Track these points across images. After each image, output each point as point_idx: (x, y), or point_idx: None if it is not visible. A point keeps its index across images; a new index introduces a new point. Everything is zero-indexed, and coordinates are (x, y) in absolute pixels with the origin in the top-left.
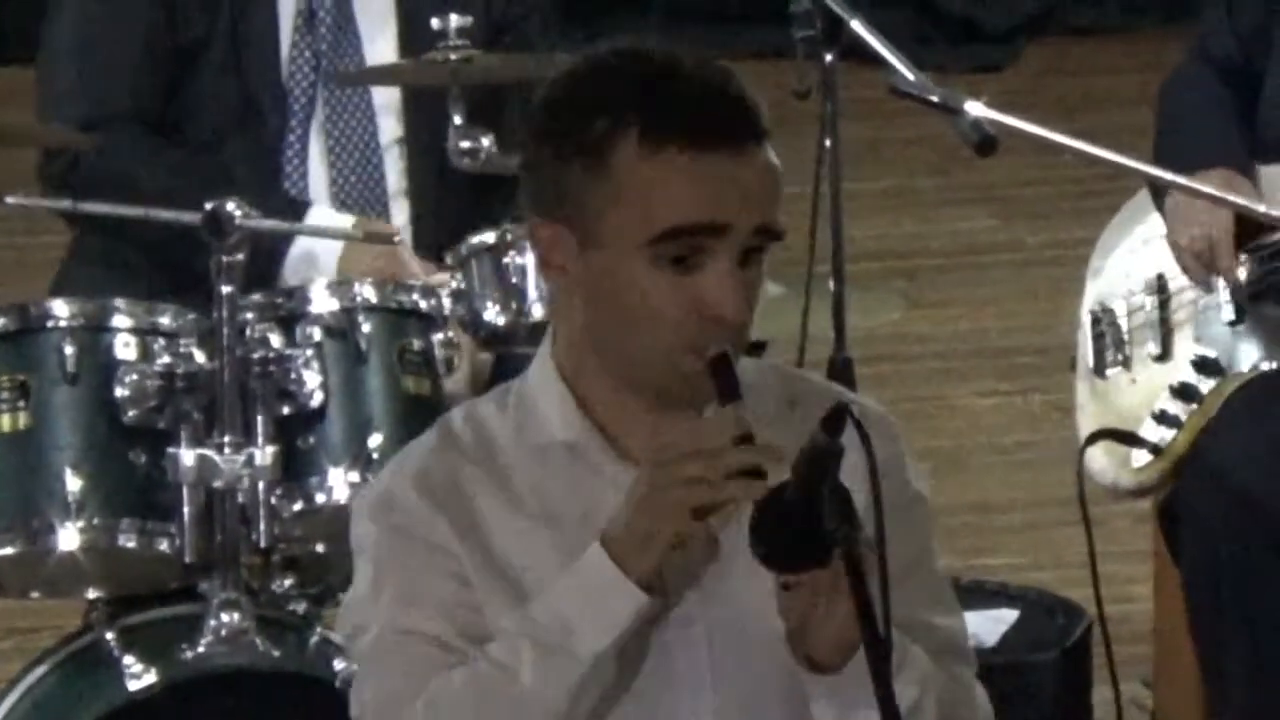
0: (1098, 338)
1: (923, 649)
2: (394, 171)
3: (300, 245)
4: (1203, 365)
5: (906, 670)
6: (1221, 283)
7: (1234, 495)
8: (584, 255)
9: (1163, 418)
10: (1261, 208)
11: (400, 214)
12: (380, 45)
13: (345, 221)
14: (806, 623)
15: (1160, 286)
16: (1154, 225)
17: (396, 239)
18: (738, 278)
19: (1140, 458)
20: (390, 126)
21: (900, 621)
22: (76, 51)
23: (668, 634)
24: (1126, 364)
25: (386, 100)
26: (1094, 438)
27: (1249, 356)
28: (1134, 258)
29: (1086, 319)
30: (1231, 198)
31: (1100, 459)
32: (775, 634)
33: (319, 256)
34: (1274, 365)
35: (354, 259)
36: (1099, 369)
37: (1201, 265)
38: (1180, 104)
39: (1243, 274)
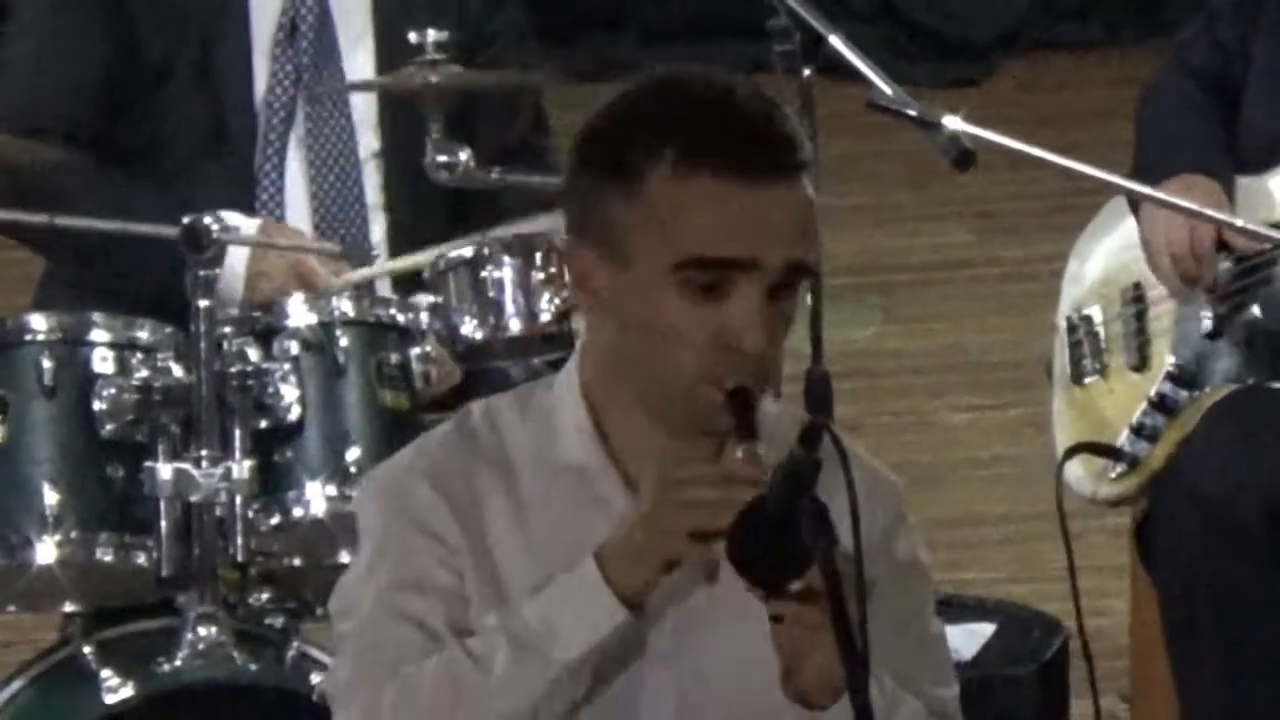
0: (1074, 345)
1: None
2: (371, 185)
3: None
4: (1180, 378)
5: (899, 713)
6: (1202, 294)
7: (1210, 510)
8: (615, 278)
9: (1140, 430)
10: (1239, 222)
11: (378, 228)
12: (358, 59)
13: (251, 225)
14: (798, 659)
15: (1138, 295)
16: (1131, 231)
17: (374, 254)
18: (763, 312)
19: (1118, 469)
20: (367, 140)
21: (892, 675)
22: (23, 65)
23: (641, 665)
24: (1104, 373)
25: (364, 114)
26: (1072, 451)
27: (1226, 370)
28: (1111, 264)
29: (1062, 325)
30: (1210, 212)
31: (1078, 470)
32: (747, 683)
33: (230, 260)
34: (1251, 380)
35: (262, 269)
36: (1076, 377)
37: (1178, 270)
38: (1158, 111)
39: (1223, 274)
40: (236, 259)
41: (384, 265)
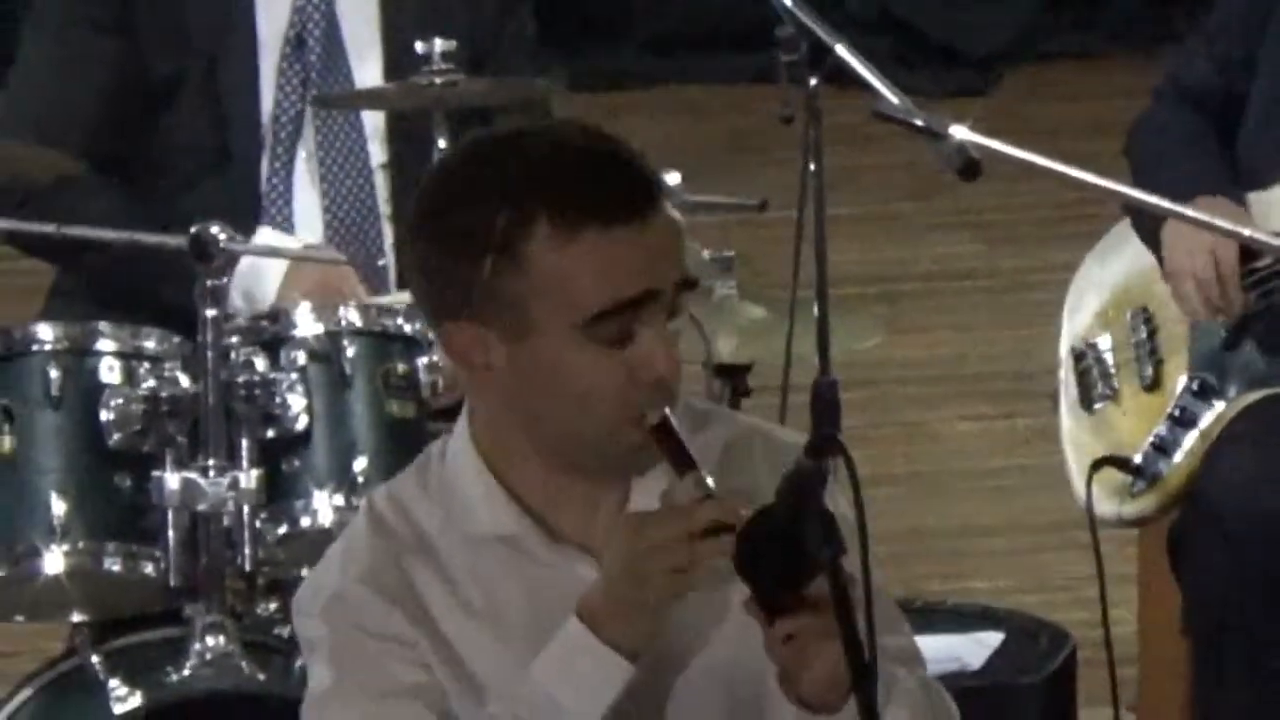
0: (1083, 373)
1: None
2: (379, 196)
3: (246, 259)
4: (1201, 391)
5: (897, 697)
6: (1233, 305)
7: (1234, 523)
8: (512, 348)
9: (1160, 446)
10: (1248, 232)
11: (387, 238)
12: (367, 70)
13: (292, 243)
14: (799, 665)
15: (1147, 318)
16: (1134, 257)
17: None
18: (669, 338)
19: (1138, 486)
20: (376, 151)
21: None
22: (36, 80)
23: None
24: (1115, 397)
25: (373, 125)
26: (1098, 465)
27: (1247, 381)
28: (1116, 291)
29: (1068, 357)
30: (1221, 222)
31: (1097, 490)
32: (741, 690)
33: (263, 269)
34: (1273, 390)
35: (301, 274)
36: (1086, 404)
37: (1203, 294)
38: (1161, 141)
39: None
40: (270, 276)
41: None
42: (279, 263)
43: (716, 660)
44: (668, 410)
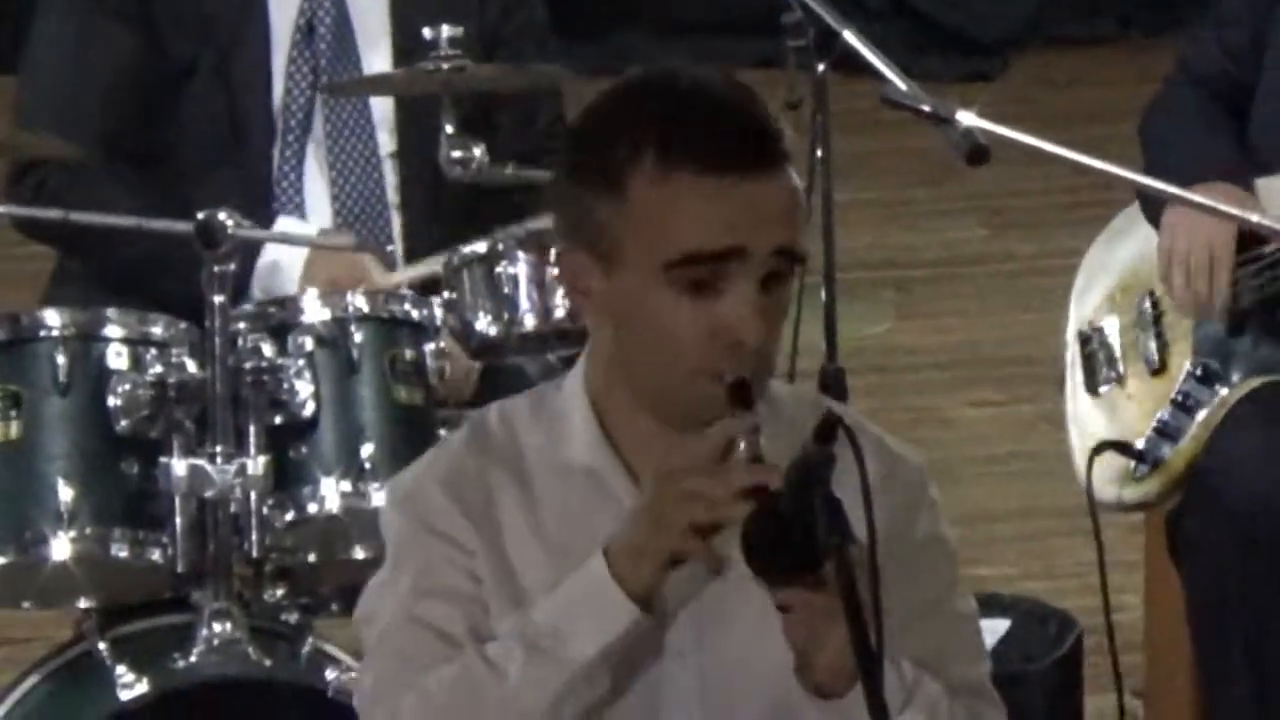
0: (1088, 356)
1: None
2: (388, 184)
3: (266, 256)
4: (1205, 376)
5: (917, 700)
6: (1216, 297)
7: (1236, 508)
8: (606, 281)
9: (1163, 430)
10: (1255, 217)
11: (395, 226)
12: (376, 57)
13: (310, 230)
14: (810, 649)
15: (1154, 302)
16: (1143, 241)
17: (389, 248)
18: (757, 302)
19: (1140, 471)
20: (384, 139)
21: (917, 661)
22: (54, 68)
23: (661, 663)
24: (1121, 381)
25: (382, 113)
26: (1099, 449)
27: (1250, 366)
28: (1124, 275)
29: (1074, 339)
30: (1227, 208)
31: (1100, 474)
32: (770, 675)
33: (283, 267)
34: (1276, 376)
35: (317, 268)
36: (1091, 387)
37: (1193, 277)
38: (1169, 124)
39: (1244, 275)
40: (291, 269)
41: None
42: (298, 258)
43: (769, 663)
44: (749, 374)
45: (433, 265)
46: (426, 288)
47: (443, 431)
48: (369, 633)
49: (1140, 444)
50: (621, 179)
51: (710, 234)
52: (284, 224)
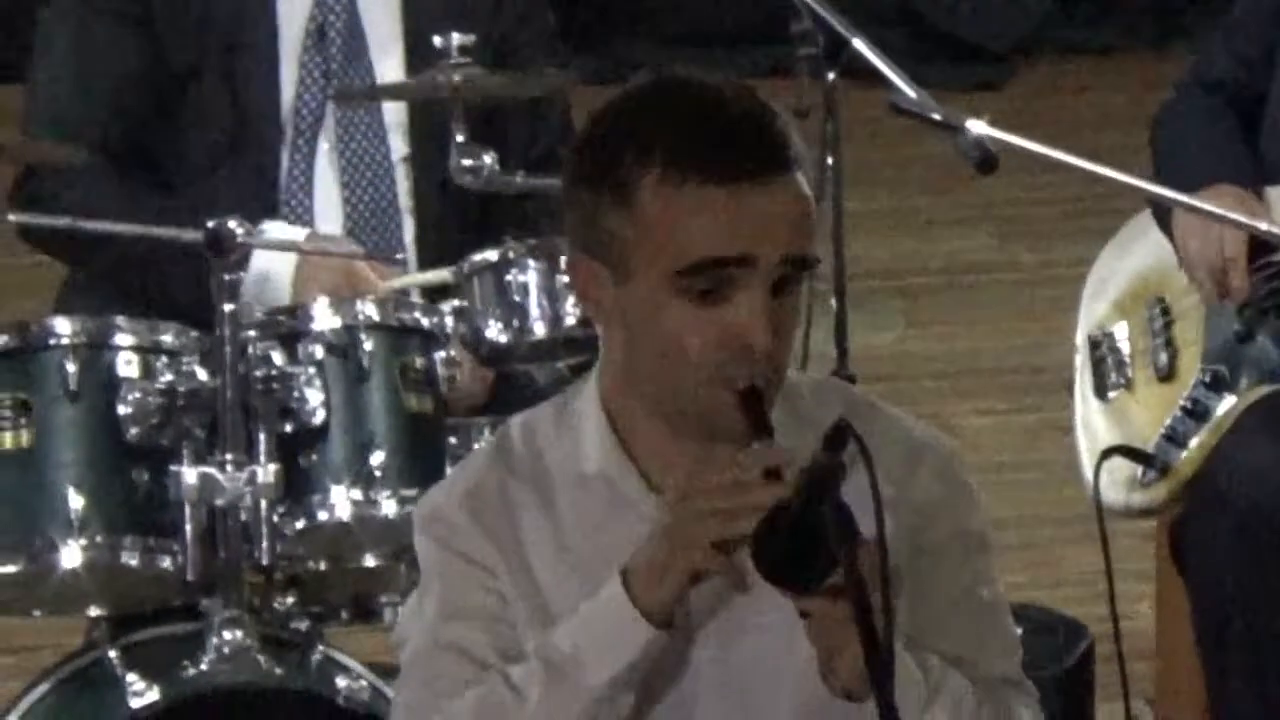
0: (1098, 361)
1: (970, 681)
2: (400, 190)
3: (256, 266)
4: (1214, 383)
5: (942, 697)
6: (1229, 301)
7: (1243, 515)
8: (617, 289)
9: (1172, 436)
10: (1264, 225)
11: (407, 232)
12: (388, 63)
13: (298, 235)
14: (834, 653)
15: (1164, 309)
16: (1153, 247)
17: (400, 256)
18: (768, 309)
19: (1148, 476)
20: (396, 145)
21: (946, 657)
22: (57, 75)
23: (689, 675)
24: (1129, 386)
25: (394, 118)
26: (1108, 454)
27: (1260, 373)
28: (1134, 280)
29: (1084, 344)
30: (1236, 216)
31: (1108, 479)
32: (798, 680)
33: (272, 276)
34: None
35: (309, 275)
36: (1100, 392)
37: (1213, 280)
38: (1180, 128)
39: (1257, 281)
40: (280, 267)
41: (440, 272)
42: (287, 267)
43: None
44: (760, 381)
45: (433, 274)
46: (435, 295)
47: (452, 440)
48: (402, 656)
49: (1149, 449)
50: (630, 187)
51: (720, 242)
52: (271, 229)
